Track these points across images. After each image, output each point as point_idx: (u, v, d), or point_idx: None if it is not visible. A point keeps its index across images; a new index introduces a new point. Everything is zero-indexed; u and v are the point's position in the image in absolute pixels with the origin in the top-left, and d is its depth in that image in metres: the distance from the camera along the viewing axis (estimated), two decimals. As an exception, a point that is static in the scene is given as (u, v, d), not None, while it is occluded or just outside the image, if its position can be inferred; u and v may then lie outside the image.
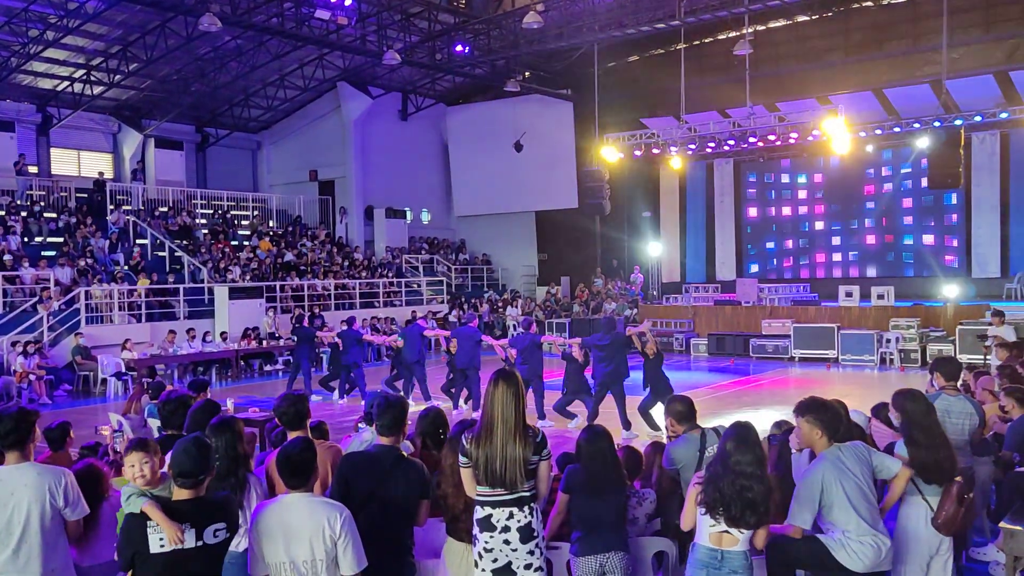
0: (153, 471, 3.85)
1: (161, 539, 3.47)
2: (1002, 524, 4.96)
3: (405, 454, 4.42)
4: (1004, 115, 19.86)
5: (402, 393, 13.23)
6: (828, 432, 4.32)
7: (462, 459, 4.14)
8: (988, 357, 13.18)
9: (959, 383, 6.34)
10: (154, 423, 9.10)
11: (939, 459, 4.55)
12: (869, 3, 22.59)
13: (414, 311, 23.82)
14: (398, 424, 4.38)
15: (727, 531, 4.01)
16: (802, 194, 26.83)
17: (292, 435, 4.70)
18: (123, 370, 16.38)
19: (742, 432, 4.14)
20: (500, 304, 26.77)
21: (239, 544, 3.97)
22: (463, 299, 26.75)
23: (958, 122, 19.35)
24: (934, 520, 4.48)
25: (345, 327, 14.70)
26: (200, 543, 3.50)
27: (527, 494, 4.08)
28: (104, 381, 16.45)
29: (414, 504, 4.21)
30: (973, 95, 20.85)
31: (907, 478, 4.49)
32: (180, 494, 3.57)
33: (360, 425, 7.98)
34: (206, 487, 3.64)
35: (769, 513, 4.04)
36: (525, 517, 4.08)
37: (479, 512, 4.12)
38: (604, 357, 11.00)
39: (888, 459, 4.50)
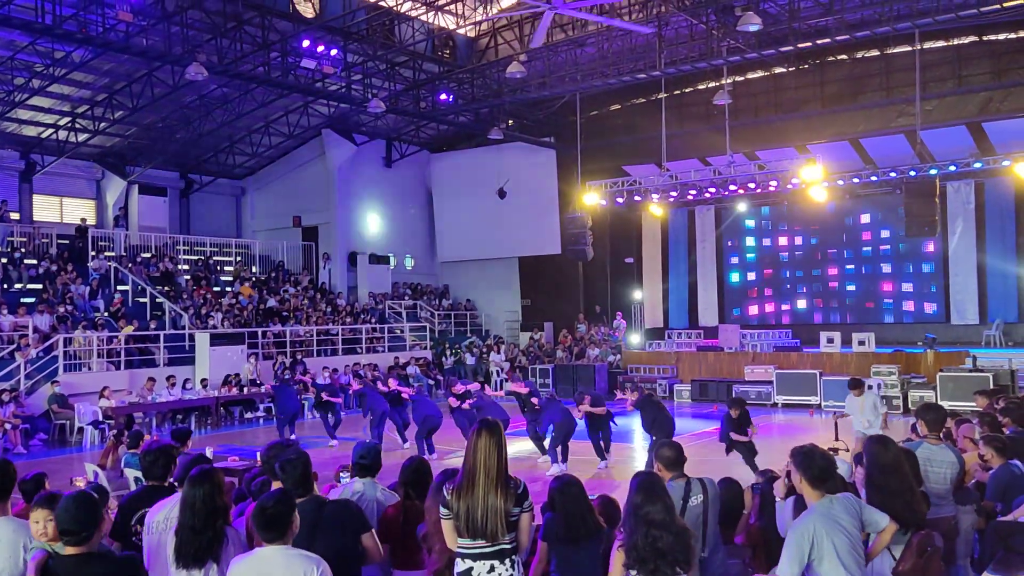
0: (53, 528, 3.86)
1: None
2: (985, 574, 4.95)
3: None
4: (978, 165, 20.23)
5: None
6: (810, 480, 4.28)
7: (443, 511, 4.09)
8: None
9: (942, 432, 6.35)
10: (131, 473, 8.96)
11: (902, 506, 4.55)
12: (843, 56, 23.15)
13: (397, 357, 23.73)
14: (305, 479, 4.33)
15: None
16: (782, 241, 27.14)
17: (276, 486, 4.62)
18: (100, 419, 16.14)
19: (647, 482, 4.10)
20: (484, 350, 26.70)
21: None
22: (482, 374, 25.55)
23: (933, 171, 19.69)
24: (894, 571, 4.46)
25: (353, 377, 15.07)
26: None
27: (508, 546, 4.04)
28: (81, 430, 16.18)
29: (355, 546, 4.12)
30: (947, 145, 21.30)
31: (892, 532, 4.46)
32: (67, 550, 3.59)
33: (342, 475, 7.87)
34: (95, 543, 3.64)
35: (689, 560, 3.96)
36: (506, 570, 4.03)
37: (460, 565, 4.07)
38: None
39: (876, 513, 4.46)
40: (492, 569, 4.02)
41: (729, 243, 27.88)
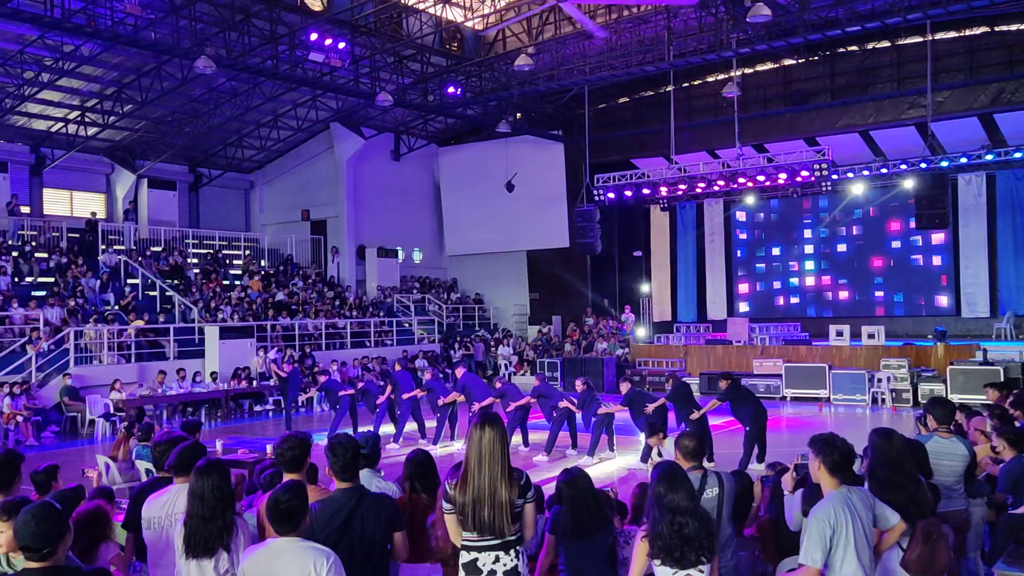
0: (8, 540, 3.67)
1: None
2: (996, 568, 4.92)
3: (372, 489, 4.34)
4: (989, 157, 20.07)
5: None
6: (829, 467, 4.25)
7: (445, 505, 4.09)
8: None
9: (951, 425, 6.32)
10: (142, 465, 9.03)
11: (905, 499, 4.52)
12: (854, 47, 23.00)
13: (405, 351, 23.76)
14: (352, 466, 4.27)
15: (689, 574, 3.94)
16: (792, 234, 27.04)
17: (288, 478, 4.61)
18: (111, 411, 16.23)
19: (670, 471, 4.08)
20: (492, 343, 26.71)
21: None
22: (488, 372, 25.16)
23: (944, 164, 19.58)
24: (902, 560, 4.44)
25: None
26: None
27: (513, 538, 4.05)
28: (92, 422, 16.28)
29: (386, 540, 4.12)
30: (958, 137, 21.16)
31: (901, 531, 4.44)
32: (28, 564, 3.27)
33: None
34: (60, 557, 3.32)
35: (712, 547, 3.94)
36: (511, 561, 4.04)
37: (464, 557, 4.08)
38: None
39: (888, 510, 4.42)
40: (497, 560, 4.03)
41: (738, 236, 27.79)
